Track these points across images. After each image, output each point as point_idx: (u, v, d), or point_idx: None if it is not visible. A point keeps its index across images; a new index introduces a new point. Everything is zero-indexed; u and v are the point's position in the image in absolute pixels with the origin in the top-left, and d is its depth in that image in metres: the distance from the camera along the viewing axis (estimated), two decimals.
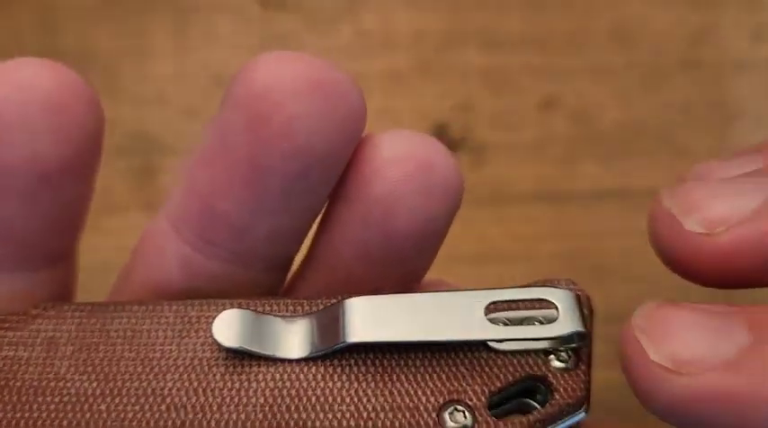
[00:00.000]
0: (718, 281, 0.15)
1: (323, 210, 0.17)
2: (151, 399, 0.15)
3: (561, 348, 0.16)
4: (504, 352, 0.16)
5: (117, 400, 0.15)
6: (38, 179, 0.15)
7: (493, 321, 0.16)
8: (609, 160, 0.35)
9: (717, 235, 0.14)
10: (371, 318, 0.15)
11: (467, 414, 0.15)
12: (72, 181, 0.15)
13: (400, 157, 0.16)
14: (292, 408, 0.15)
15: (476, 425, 0.15)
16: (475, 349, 0.16)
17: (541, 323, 0.16)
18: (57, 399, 0.15)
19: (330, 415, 0.15)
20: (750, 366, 0.13)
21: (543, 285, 0.16)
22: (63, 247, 0.17)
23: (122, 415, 0.15)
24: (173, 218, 0.16)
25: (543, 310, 0.16)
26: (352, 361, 0.16)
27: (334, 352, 0.16)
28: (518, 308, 0.16)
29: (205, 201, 0.16)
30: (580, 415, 0.16)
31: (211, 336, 0.16)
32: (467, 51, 0.36)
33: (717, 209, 0.14)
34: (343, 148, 0.15)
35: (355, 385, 0.15)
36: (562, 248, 0.34)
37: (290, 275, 0.19)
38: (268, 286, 0.18)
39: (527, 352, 0.16)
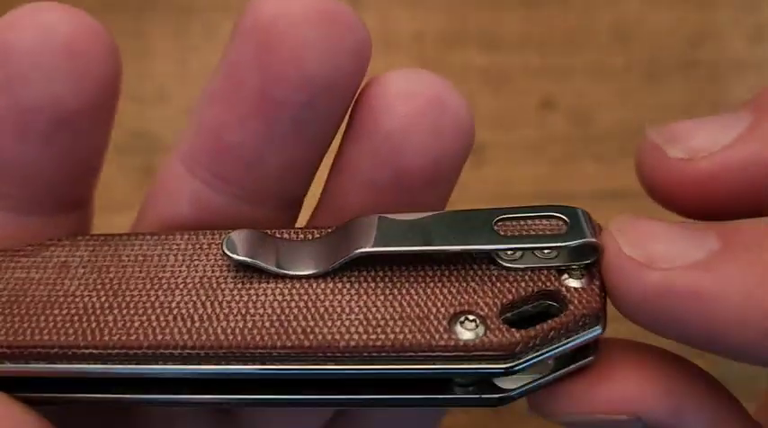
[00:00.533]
0: (697, 209, 0.16)
1: (335, 152, 0.17)
2: (158, 311, 0.15)
3: (574, 265, 0.15)
4: (517, 269, 0.16)
5: (124, 312, 0.15)
6: (57, 122, 0.15)
7: (501, 235, 0.15)
8: (608, 160, 0.35)
9: (697, 160, 0.15)
10: (381, 233, 0.15)
11: (478, 322, 0.15)
12: (89, 125, 0.16)
13: (411, 93, 0.16)
14: (300, 318, 0.15)
15: (487, 332, 0.15)
16: (485, 266, 0.16)
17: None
18: (65, 312, 0.15)
19: (338, 323, 0.15)
20: (718, 268, 0.14)
21: (552, 205, 0.16)
22: (78, 193, 0.17)
23: (128, 325, 0.15)
24: (184, 157, 0.16)
25: (553, 233, 0.16)
26: (362, 277, 0.16)
27: (344, 266, 0.16)
28: (528, 229, 0.16)
29: (216, 136, 0.16)
30: (596, 331, 0.15)
31: (221, 259, 0.16)
32: (467, 51, 0.36)
33: (699, 139, 0.15)
34: (350, 78, 0.15)
35: (364, 297, 0.15)
36: None
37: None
38: (279, 226, 0.18)
39: (539, 270, 0.16)
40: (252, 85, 0.15)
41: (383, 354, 0.15)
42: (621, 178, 0.35)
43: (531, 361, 0.15)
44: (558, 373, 0.15)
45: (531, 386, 0.15)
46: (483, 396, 0.15)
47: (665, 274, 0.14)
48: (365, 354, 0.15)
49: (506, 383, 0.15)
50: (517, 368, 0.15)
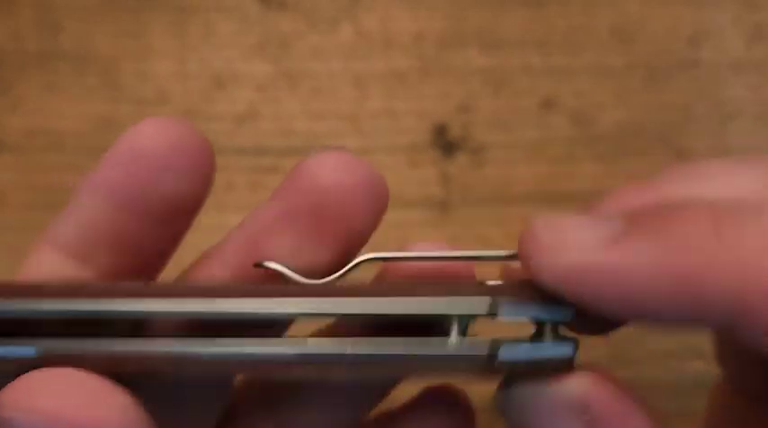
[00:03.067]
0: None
1: None
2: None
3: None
4: None
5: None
6: (175, 210, 0.19)
7: None
8: (608, 160, 0.35)
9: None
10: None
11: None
12: (192, 215, 0.20)
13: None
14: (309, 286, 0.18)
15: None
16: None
17: None
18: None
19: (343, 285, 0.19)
20: (625, 242, 0.16)
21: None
22: (162, 267, 0.21)
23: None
24: (234, 271, 0.20)
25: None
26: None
27: (350, 270, 0.19)
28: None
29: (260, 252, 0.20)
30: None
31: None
32: (467, 52, 0.36)
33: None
34: (374, 230, 0.20)
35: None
36: None
37: None
38: None
39: None
40: (305, 229, 0.19)
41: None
42: (621, 178, 0.35)
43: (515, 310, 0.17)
44: (543, 349, 0.17)
45: (519, 356, 0.17)
46: (472, 347, 0.17)
47: (578, 254, 0.17)
48: (361, 291, 0.18)
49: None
50: (499, 309, 0.17)
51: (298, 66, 0.36)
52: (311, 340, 0.18)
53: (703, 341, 0.31)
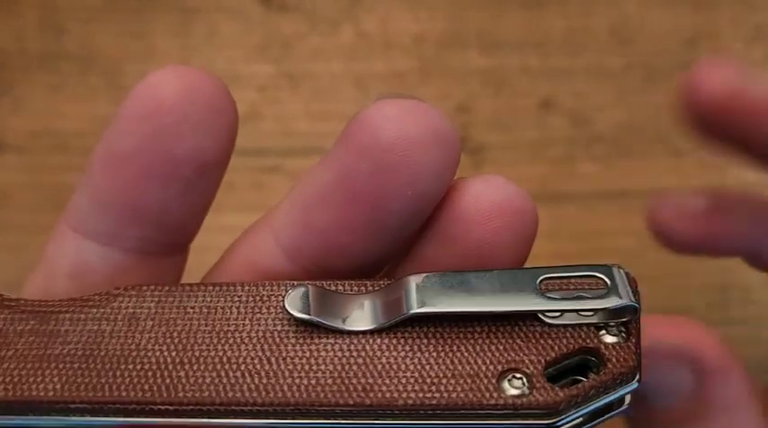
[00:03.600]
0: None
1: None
2: (227, 367, 0.16)
3: (612, 323, 0.17)
4: (558, 326, 0.17)
5: (195, 368, 0.16)
6: (198, 169, 0.17)
7: (546, 296, 0.16)
8: (608, 160, 0.35)
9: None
10: (433, 292, 0.17)
11: (525, 381, 0.16)
12: (219, 172, 0.18)
13: (500, 206, 0.17)
14: (360, 375, 0.16)
15: (533, 391, 0.16)
16: (530, 323, 0.17)
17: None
18: (138, 367, 0.16)
19: (395, 381, 0.16)
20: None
21: (593, 265, 0.17)
22: (193, 235, 0.19)
23: (200, 381, 0.16)
24: (287, 248, 0.18)
25: (593, 291, 0.17)
26: (415, 333, 0.17)
27: (398, 323, 0.17)
28: (569, 288, 0.17)
29: (327, 239, 0.17)
30: (633, 386, 0.16)
31: (282, 312, 0.17)
32: (466, 52, 0.37)
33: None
34: (446, 188, 0.17)
35: (418, 354, 0.16)
36: (562, 248, 0.34)
37: None
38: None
39: (579, 326, 0.17)
40: (367, 199, 0.16)
41: (437, 412, 0.16)
42: (621, 178, 0.35)
43: (572, 418, 0.16)
44: (595, 422, 0.17)
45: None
46: None
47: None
48: (421, 412, 0.16)
49: None
50: (559, 424, 0.16)
51: (299, 66, 0.36)
52: None
53: None
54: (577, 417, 0.16)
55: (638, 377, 0.16)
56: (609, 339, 0.16)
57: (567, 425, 0.16)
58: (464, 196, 0.17)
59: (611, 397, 0.16)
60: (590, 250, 0.33)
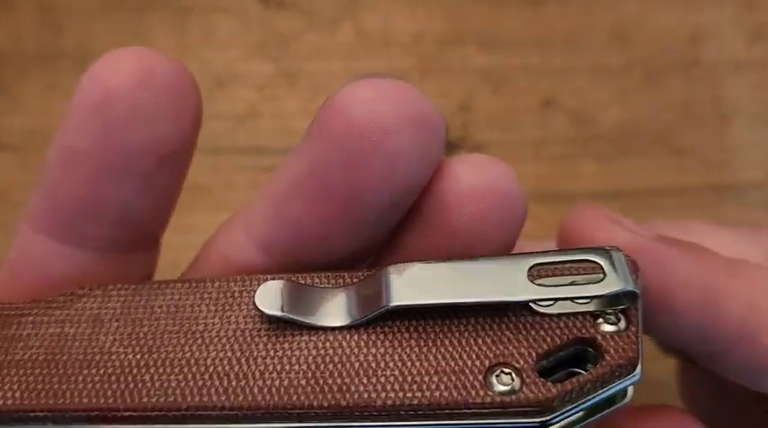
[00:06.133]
0: None
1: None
2: (194, 369, 0.15)
3: (609, 310, 0.15)
4: (551, 315, 0.15)
5: (161, 371, 0.15)
6: (158, 162, 0.15)
7: (537, 284, 0.15)
8: (608, 160, 0.35)
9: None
10: (413, 283, 0.15)
11: (514, 376, 0.15)
12: (182, 163, 0.16)
13: (482, 190, 0.16)
14: (335, 374, 0.15)
15: (523, 387, 0.14)
16: (520, 313, 0.15)
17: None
18: (101, 371, 0.15)
19: (374, 380, 0.15)
20: (672, 243, 0.18)
21: (587, 248, 0.16)
22: (161, 230, 0.18)
23: (165, 385, 0.15)
24: (259, 242, 0.17)
25: (588, 275, 0.15)
26: (395, 328, 0.15)
27: (377, 318, 0.15)
28: (562, 273, 0.16)
29: (300, 231, 0.16)
30: (634, 378, 0.15)
31: (254, 309, 0.16)
32: (466, 51, 0.36)
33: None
34: (429, 175, 0.16)
35: (399, 350, 0.15)
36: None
37: None
38: None
39: (574, 315, 0.15)
40: (341, 189, 0.15)
41: (419, 412, 0.15)
42: (621, 178, 0.35)
43: (567, 415, 0.15)
44: (596, 416, 0.15)
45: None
46: None
47: (631, 235, 0.17)
48: (402, 412, 0.15)
49: None
50: (552, 421, 0.15)
51: (297, 65, 0.36)
52: None
53: None
54: (573, 414, 0.15)
55: (639, 368, 0.15)
56: (607, 328, 0.15)
57: (564, 421, 0.15)
58: (443, 178, 0.16)
59: (610, 391, 0.15)
60: None
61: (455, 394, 0.14)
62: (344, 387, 0.15)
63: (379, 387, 0.15)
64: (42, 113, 0.35)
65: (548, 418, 0.14)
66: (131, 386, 0.15)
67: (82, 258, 0.17)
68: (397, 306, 0.15)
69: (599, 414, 0.15)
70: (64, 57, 0.36)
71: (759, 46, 0.37)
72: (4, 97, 0.35)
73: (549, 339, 0.15)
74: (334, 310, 0.16)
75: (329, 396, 0.15)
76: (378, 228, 0.16)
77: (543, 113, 0.36)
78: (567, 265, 0.16)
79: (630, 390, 0.15)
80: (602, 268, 0.15)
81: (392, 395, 0.15)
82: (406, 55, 0.36)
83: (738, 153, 0.36)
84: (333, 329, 0.15)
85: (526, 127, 0.36)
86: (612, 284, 0.15)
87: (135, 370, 0.15)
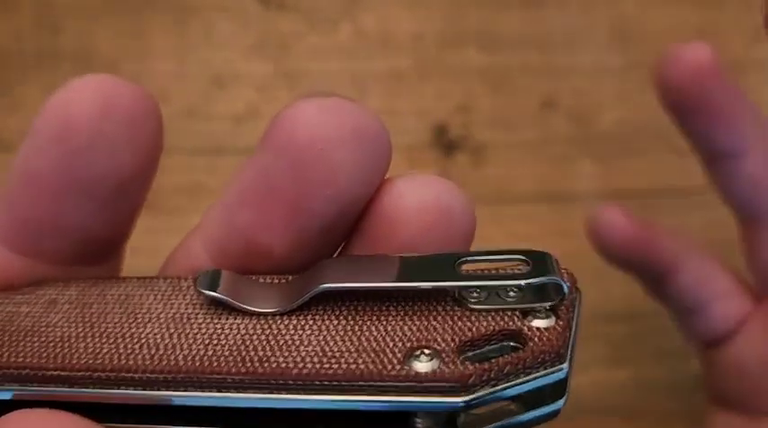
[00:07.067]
0: None
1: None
2: (128, 340, 0.16)
3: (538, 306, 0.15)
4: (480, 310, 0.16)
5: (96, 341, 0.16)
6: (116, 186, 0.16)
7: (464, 274, 0.15)
8: (608, 160, 0.35)
9: None
10: (345, 271, 0.16)
11: (433, 356, 0.15)
12: (141, 187, 0.17)
13: (424, 206, 0.16)
14: (258, 348, 0.15)
15: (441, 365, 0.15)
16: (449, 306, 0.16)
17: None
18: (42, 339, 0.16)
19: (294, 354, 0.15)
20: None
21: (517, 250, 0.16)
22: (122, 243, 0.18)
23: (97, 351, 0.16)
24: (211, 250, 0.17)
25: (515, 275, 0.16)
26: (325, 314, 0.16)
27: (308, 304, 0.16)
28: (490, 274, 0.16)
29: (247, 238, 0.17)
30: (561, 370, 0.15)
31: (196, 298, 0.17)
32: (466, 51, 0.36)
33: None
34: (373, 189, 0.16)
35: (324, 333, 0.16)
36: (562, 248, 0.33)
37: None
38: None
39: (503, 311, 0.16)
40: (286, 198, 0.16)
41: (334, 383, 0.15)
42: (621, 178, 0.35)
43: (488, 397, 0.14)
44: (523, 416, 0.15)
45: (499, 427, 0.15)
46: None
47: None
48: (317, 383, 0.15)
49: (472, 426, 0.15)
50: (474, 402, 0.14)
51: (297, 65, 0.36)
52: None
53: None
54: (493, 395, 0.14)
55: (567, 362, 0.15)
56: (534, 323, 0.15)
57: (490, 408, 0.15)
58: (388, 195, 0.16)
59: (536, 380, 0.15)
60: (590, 250, 0.33)
61: (371, 367, 0.15)
62: (264, 358, 0.15)
63: (298, 359, 0.15)
64: None
65: (466, 398, 0.14)
66: (65, 351, 0.16)
67: (44, 270, 0.17)
68: (326, 288, 0.16)
69: (532, 413, 0.15)
70: (64, 57, 0.36)
71: (759, 46, 0.37)
72: (5, 98, 0.35)
73: (474, 328, 0.15)
74: (270, 298, 0.16)
75: (248, 365, 0.15)
76: (324, 239, 0.17)
77: (543, 113, 0.36)
78: (496, 264, 0.16)
79: (565, 396, 0.15)
80: (528, 262, 0.16)
81: (309, 366, 0.15)
82: (405, 55, 0.36)
83: None
84: (265, 314, 0.16)
85: (526, 127, 0.36)
86: (537, 275, 0.15)
87: (73, 340, 0.16)
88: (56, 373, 0.16)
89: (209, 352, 0.15)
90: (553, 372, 0.15)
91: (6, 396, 0.16)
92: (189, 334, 0.16)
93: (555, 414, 0.15)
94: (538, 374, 0.15)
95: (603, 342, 0.32)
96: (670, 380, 0.32)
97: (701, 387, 0.29)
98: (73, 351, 0.16)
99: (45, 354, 0.16)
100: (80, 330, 0.16)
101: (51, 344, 0.16)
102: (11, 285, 0.18)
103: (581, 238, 0.29)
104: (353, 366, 0.15)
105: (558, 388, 0.15)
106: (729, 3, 0.37)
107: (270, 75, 0.36)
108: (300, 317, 0.16)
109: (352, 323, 0.16)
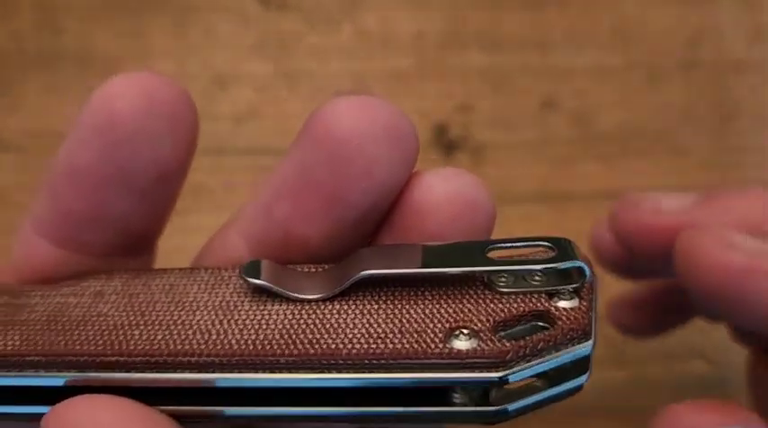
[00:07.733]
0: (653, 250, 0.22)
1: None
2: (179, 327, 0.17)
3: (562, 288, 0.17)
4: (509, 293, 0.17)
5: (149, 328, 0.17)
6: (156, 179, 0.17)
7: (492, 259, 0.17)
8: (609, 160, 0.35)
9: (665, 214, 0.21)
10: (381, 258, 0.17)
11: (472, 335, 0.16)
12: (179, 178, 0.18)
13: (452, 197, 0.17)
14: (307, 332, 0.16)
15: (480, 343, 0.16)
16: (480, 290, 0.17)
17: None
18: (96, 328, 0.17)
19: (342, 336, 0.16)
20: None
21: (541, 237, 0.17)
22: (157, 236, 0.19)
23: (152, 337, 0.17)
24: (250, 241, 0.18)
25: (542, 260, 0.17)
26: (366, 299, 0.17)
27: (349, 290, 0.17)
28: (519, 260, 0.17)
29: (286, 229, 0.18)
30: (587, 346, 0.16)
31: (240, 287, 0.18)
32: (467, 51, 0.36)
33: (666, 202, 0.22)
34: (404, 181, 0.17)
35: (367, 316, 0.17)
36: None
37: None
38: None
39: (530, 293, 0.17)
40: (324, 188, 0.17)
41: (382, 361, 0.16)
42: (621, 178, 0.35)
43: (524, 372, 0.16)
44: (552, 390, 0.16)
45: (527, 402, 0.16)
46: (480, 408, 0.16)
47: (747, 254, 0.18)
48: (365, 362, 0.16)
49: (503, 401, 0.16)
50: (510, 377, 0.16)
51: (298, 66, 0.36)
52: None
53: (704, 341, 0.31)
54: (530, 372, 0.16)
55: (592, 338, 0.16)
56: (560, 303, 0.17)
57: (522, 382, 0.16)
58: (417, 187, 0.17)
59: (564, 356, 0.16)
60: (589, 249, 0.33)
61: (416, 346, 0.16)
62: (314, 341, 0.16)
63: (346, 341, 0.16)
64: (42, 114, 0.35)
65: (504, 373, 0.15)
66: (120, 338, 0.17)
67: (84, 262, 0.18)
68: (367, 274, 0.17)
69: (556, 389, 0.16)
70: (64, 57, 0.36)
71: (759, 46, 0.37)
72: (5, 98, 0.35)
73: (506, 310, 0.17)
74: (312, 285, 0.17)
75: (300, 347, 0.16)
76: (357, 230, 0.18)
77: (544, 114, 0.36)
78: (524, 250, 0.18)
79: (589, 370, 0.17)
80: (553, 248, 0.17)
81: (357, 347, 0.16)
82: (406, 55, 0.36)
83: (739, 154, 0.36)
84: (309, 300, 0.17)
85: (526, 127, 0.36)
86: (562, 260, 0.17)
87: (126, 328, 0.17)
88: (114, 359, 0.16)
89: (261, 337, 0.16)
90: (580, 348, 0.16)
91: (59, 382, 0.16)
92: (238, 320, 0.17)
93: (578, 388, 0.17)
94: (567, 350, 0.16)
95: (603, 342, 0.32)
96: (671, 380, 0.32)
97: (701, 388, 0.29)
98: (128, 338, 0.17)
99: (101, 342, 0.16)
100: (131, 319, 0.17)
101: (106, 332, 0.17)
102: (51, 277, 0.18)
103: (580, 238, 0.29)
104: (399, 346, 0.16)
105: (583, 364, 0.16)
106: (729, 3, 0.37)
107: (270, 75, 0.36)
108: (343, 303, 0.17)
109: (392, 306, 0.17)
